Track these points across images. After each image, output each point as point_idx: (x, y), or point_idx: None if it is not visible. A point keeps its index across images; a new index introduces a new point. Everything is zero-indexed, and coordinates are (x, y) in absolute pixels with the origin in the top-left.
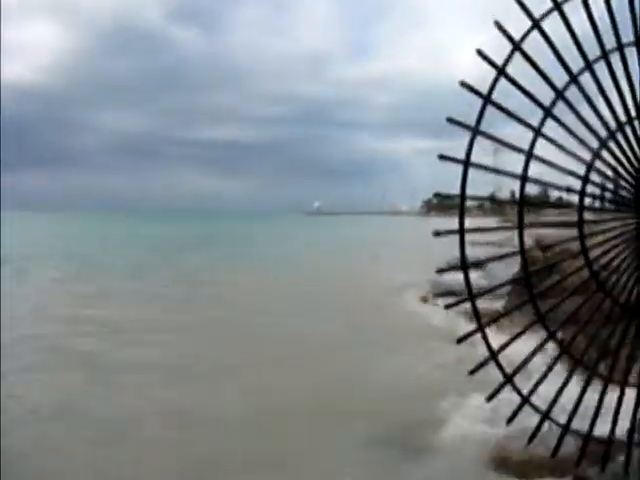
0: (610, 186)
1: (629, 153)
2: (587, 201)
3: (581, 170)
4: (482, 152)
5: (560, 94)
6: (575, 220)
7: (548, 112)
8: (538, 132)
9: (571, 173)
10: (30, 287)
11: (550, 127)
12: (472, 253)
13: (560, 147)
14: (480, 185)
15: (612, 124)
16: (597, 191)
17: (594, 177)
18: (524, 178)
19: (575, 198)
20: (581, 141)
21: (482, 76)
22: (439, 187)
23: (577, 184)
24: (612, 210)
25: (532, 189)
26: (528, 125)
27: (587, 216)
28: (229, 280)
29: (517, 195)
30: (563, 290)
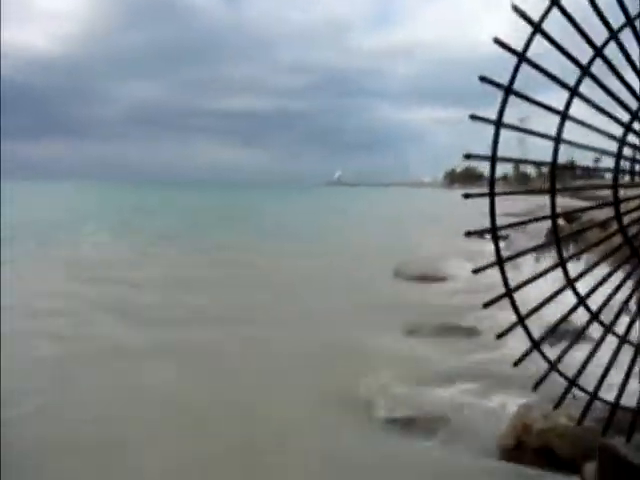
0: None
1: None
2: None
3: (614, 140)
4: (505, 144)
5: (599, 52)
6: (609, 184)
7: (586, 71)
8: (574, 92)
9: (604, 152)
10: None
11: (578, 105)
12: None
13: (597, 108)
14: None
15: None
16: (633, 156)
17: (629, 144)
18: (558, 139)
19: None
20: (620, 102)
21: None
22: (458, 158)
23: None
24: None
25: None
26: (564, 85)
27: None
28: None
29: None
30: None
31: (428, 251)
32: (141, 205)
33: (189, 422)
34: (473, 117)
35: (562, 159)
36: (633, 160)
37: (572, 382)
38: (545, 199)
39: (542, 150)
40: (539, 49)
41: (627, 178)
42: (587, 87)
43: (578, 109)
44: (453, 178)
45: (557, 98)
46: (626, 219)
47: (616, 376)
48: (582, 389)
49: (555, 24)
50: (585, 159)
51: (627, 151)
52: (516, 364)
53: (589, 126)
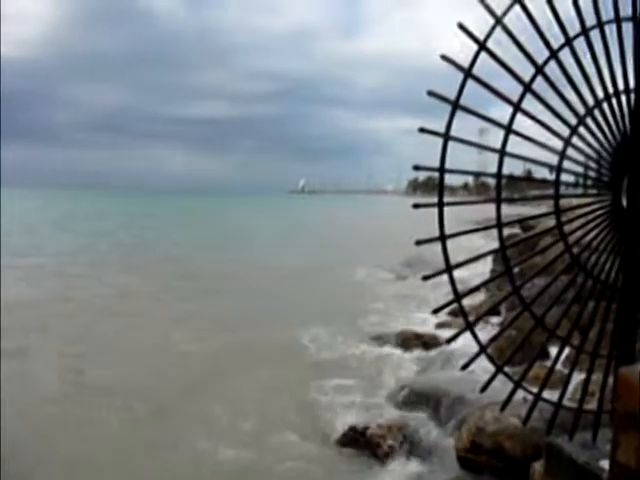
0: (589, 165)
1: (606, 130)
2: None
3: (555, 154)
4: (467, 133)
5: (540, 70)
6: (552, 211)
7: (528, 87)
8: (517, 107)
9: (543, 164)
10: None
11: (530, 108)
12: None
13: (540, 123)
14: (466, 166)
15: (590, 102)
16: (576, 169)
17: (572, 155)
18: (502, 152)
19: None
20: (560, 117)
21: (467, 56)
22: (417, 172)
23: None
24: (590, 191)
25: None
26: (507, 100)
27: (564, 201)
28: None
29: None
30: (548, 272)
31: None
32: (90, 211)
33: None
34: (422, 130)
35: (519, 171)
36: (574, 173)
37: (517, 384)
38: (508, 209)
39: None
40: (491, 65)
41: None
42: (532, 102)
43: (526, 123)
44: (415, 187)
45: (507, 113)
46: (569, 229)
47: None
48: (526, 390)
49: (503, 44)
50: (542, 171)
51: (568, 164)
52: (463, 368)
53: (531, 140)
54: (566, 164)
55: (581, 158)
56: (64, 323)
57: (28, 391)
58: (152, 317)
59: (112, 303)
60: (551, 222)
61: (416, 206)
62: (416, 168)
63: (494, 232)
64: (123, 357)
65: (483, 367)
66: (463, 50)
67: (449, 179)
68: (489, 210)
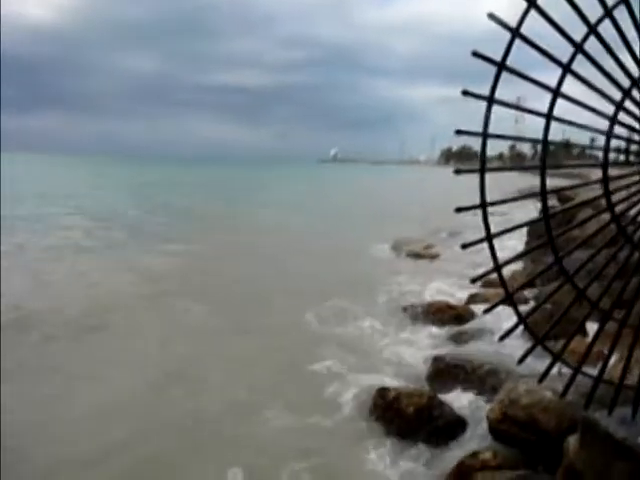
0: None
1: None
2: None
3: (606, 119)
4: (501, 120)
5: (592, 29)
6: (600, 178)
7: (579, 48)
8: (567, 69)
9: (594, 130)
10: None
11: (573, 85)
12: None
13: (590, 85)
14: (501, 141)
15: (635, 73)
16: (622, 144)
17: (619, 129)
18: (549, 116)
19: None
20: (612, 80)
21: (510, 18)
22: (458, 137)
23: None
24: (637, 162)
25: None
26: (556, 61)
27: (612, 171)
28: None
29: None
30: (587, 246)
31: None
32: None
33: None
34: (465, 93)
35: (558, 139)
36: (625, 139)
37: (557, 356)
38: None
39: (538, 130)
40: (536, 28)
41: (621, 157)
42: (581, 66)
43: (573, 89)
44: (449, 156)
45: (553, 79)
46: (617, 199)
47: None
48: (566, 363)
49: (552, 4)
50: (582, 140)
51: (620, 130)
52: (502, 339)
53: (581, 104)
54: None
55: (634, 124)
56: None
57: None
58: None
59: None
60: (590, 194)
61: (457, 172)
62: (458, 132)
63: (525, 206)
64: None
65: (515, 344)
66: (506, 13)
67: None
68: (522, 182)
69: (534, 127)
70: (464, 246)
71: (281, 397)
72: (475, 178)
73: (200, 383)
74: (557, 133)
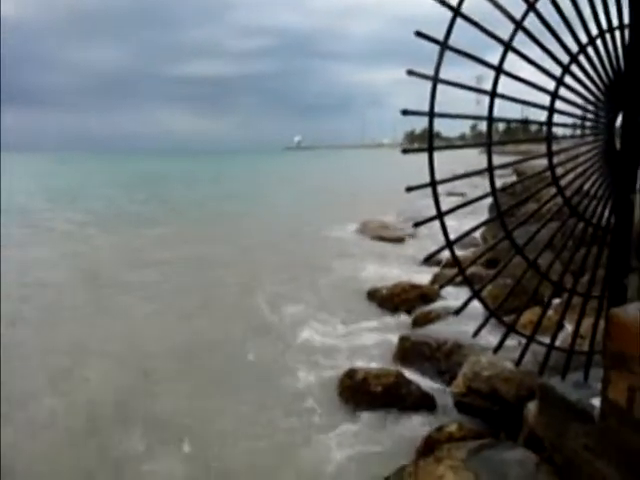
0: (582, 106)
1: (599, 68)
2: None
3: (547, 94)
4: (463, 101)
5: (531, 6)
6: (542, 137)
7: (519, 25)
8: (508, 46)
9: (535, 105)
10: None
11: (512, 60)
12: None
13: (530, 62)
14: (462, 122)
15: (584, 40)
16: (565, 117)
17: (561, 102)
18: (493, 94)
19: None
20: (552, 56)
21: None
22: (422, 119)
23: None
24: (581, 133)
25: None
26: (498, 39)
27: (563, 145)
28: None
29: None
30: (541, 218)
31: None
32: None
33: None
34: (410, 72)
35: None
36: (568, 114)
37: (510, 327)
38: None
39: (499, 111)
40: (482, 8)
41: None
42: (524, 44)
43: (522, 71)
44: (412, 139)
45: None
46: (560, 173)
47: None
48: (519, 333)
49: None
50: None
51: (560, 105)
52: (456, 313)
53: (522, 80)
54: (559, 105)
55: (575, 98)
56: None
57: None
58: None
59: None
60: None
61: (405, 151)
62: (405, 113)
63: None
64: None
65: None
66: None
67: (446, 131)
68: (485, 163)
69: (496, 108)
70: (416, 224)
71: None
72: (445, 159)
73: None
74: (516, 112)
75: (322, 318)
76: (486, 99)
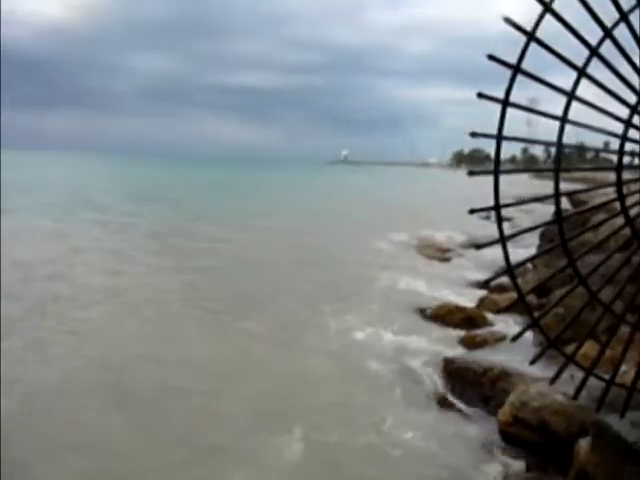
0: None
1: None
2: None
3: (620, 129)
4: (512, 123)
5: (608, 33)
6: (613, 181)
7: (594, 52)
8: (582, 72)
9: (608, 133)
10: None
11: (585, 86)
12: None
13: (604, 89)
14: (513, 144)
15: None
16: (636, 148)
17: (633, 134)
18: (564, 119)
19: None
20: (627, 83)
21: (525, 22)
22: (470, 139)
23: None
24: None
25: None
26: (571, 64)
27: (626, 175)
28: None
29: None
30: (600, 249)
31: None
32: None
33: None
34: (480, 95)
35: (572, 143)
36: (637, 142)
37: (569, 358)
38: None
39: (549, 133)
40: (550, 32)
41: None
42: (596, 70)
43: (586, 93)
44: (460, 159)
45: (567, 82)
46: (630, 202)
47: None
48: (578, 365)
49: (566, 6)
50: (596, 144)
51: (634, 134)
52: (514, 340)
53: (595, 107)
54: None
55: None
56: None
57: None
58: None
59: None
60: (603, 198)
61: (471, 173)
62: (473, 135)
63: (533, 213)
64: None
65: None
66: (521, 16)
67: (492, 151)
68: (536, 188)
69: (545, 130)
70: (478, 247)
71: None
72: (489, 182)
73: None
74: (570, 137)
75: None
76: (537, 121)
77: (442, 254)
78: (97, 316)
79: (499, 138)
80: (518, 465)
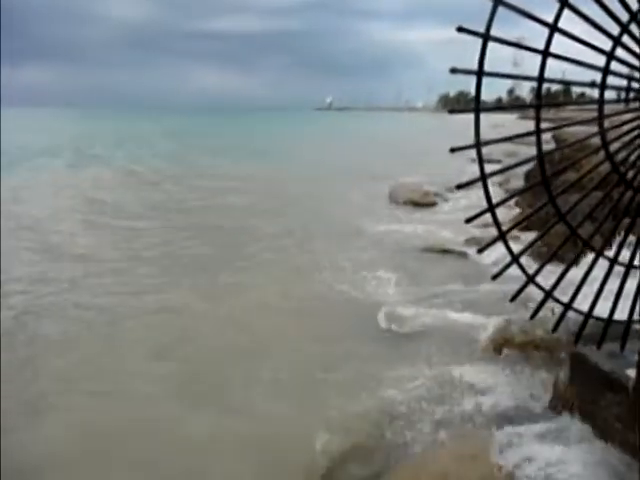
0: (634, 74)
1: None
2: (610, 95)
3: (603, 54)
4: (503, 49)
5: None
6: (594, 116)
7: (565, 3)
8: (564, 3)
9: (590, 66)
10: None
11: (569, 19)
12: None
13: (587, 19)
14: (499, 87)
15: (634, 6)
16: (621, 82)
17: (617, 67)
18: (545, 52)
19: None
20: (600, 29)
21: None
22: (456, 81)
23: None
24: (633, 100)
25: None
26: (542, 22)
27: (609, 110)
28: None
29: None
30: (582, 187)
31: None
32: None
33: None
34: (461, 29)
35: (557, 86)
36: (623, 76)
37: (548, 293)
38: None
39: (536, 72)
40: None
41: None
42: (579, 2)
43: (570, 28)
44: (446, 102)
45: (551, 17)
46: (611, 137)
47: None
48: (557, 300)
49: None
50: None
51: (616, 66)
52: (494, 278)
53: (577, 39)
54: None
55: (631, 60)
56: None
57: None
58: None
59: None
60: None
61: (452, 111)
62: (453, 71)
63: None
64: None
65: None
66: None
67: (482, 94)
68: (521, 129)
69: (532, 70)
70: (458, 186)
71: None
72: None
73: None
74: (557, 75)
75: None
76: (524, 61)
77: (429, 198)
78: None
79: (480, 74)
80: None
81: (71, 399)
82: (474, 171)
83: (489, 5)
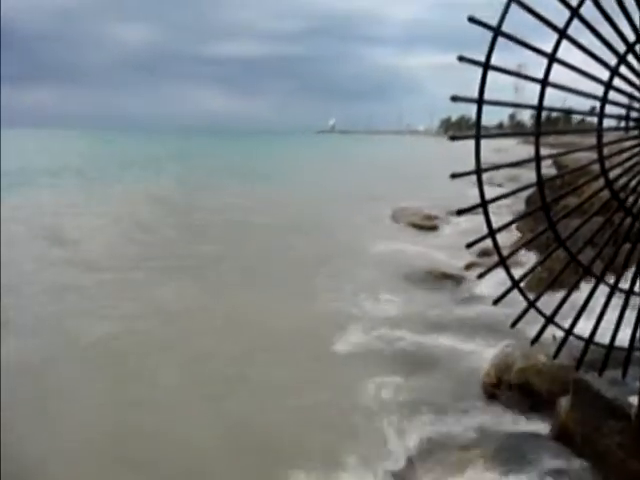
0: (633, 104)
1: None
2: (609, 122)
3: (601, 84)
4: (501, 89)
5: (575, 12)
6: (593, 144)
7: (575, 12)
8: (563, 34)
9: (588, 95)
10: None
11: (567, 48)
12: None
13: (585, 50)
14: (500, 108)
15: (631, 38)
16: (619, 111)
17: (615, 88)
18: (544, 81)
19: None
20: (609, 46)
21: None
22: (458, 105)
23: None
24: (633, 128)
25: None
26: (552, 26)
27: (608, 138)
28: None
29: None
30: (582, 212)
31: None
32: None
33: None
34: (462, 59)
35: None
36: (621, 105)
37: (549, 319)
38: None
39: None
40: None
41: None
42: (577, 32)
43: (568, 56)
44: (448, 126)
45: (550, 46)
46: (610, 165)
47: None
48: (558, 325)
49: None
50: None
51: (614, 96)
52: (495, 303)
53: (576, 69)
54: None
55: (629, 89)
56: None
57: None
58: None
59: None
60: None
61: (453, 138)
62: (454, 99)
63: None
64: None
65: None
66: None
67: (483, 119)
68: (524, 155)
69: (533, 97)
70: (459, 212)
71: None
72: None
73: None
74: (558, 102)
75: None
76: (525, 88)
77: (430, 222)
78: None
79: (480, 102)
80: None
81: None
82: (475, 195)
83: (489, 32)
